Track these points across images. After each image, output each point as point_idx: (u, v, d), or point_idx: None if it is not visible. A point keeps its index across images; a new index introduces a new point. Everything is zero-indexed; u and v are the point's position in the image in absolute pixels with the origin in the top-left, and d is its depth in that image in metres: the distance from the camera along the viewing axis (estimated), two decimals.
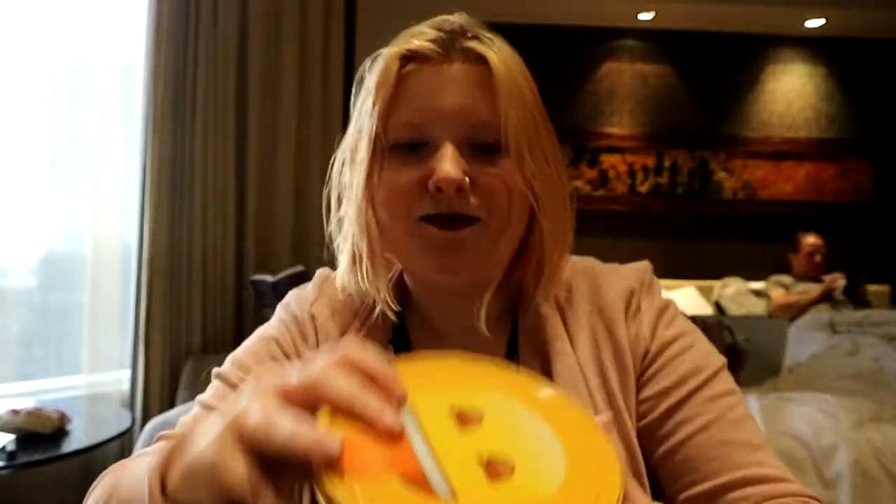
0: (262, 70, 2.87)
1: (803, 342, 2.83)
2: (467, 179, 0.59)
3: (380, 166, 0.63)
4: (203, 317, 2.75)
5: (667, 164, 4.35)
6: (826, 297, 3.51)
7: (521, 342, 0.68)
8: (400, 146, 0.62)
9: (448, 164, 0.59)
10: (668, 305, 0.70)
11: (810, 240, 3.81)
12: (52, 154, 2.65)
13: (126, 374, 2.71)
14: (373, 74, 0.63)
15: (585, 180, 4.31)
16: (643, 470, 0.63)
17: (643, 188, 4.33)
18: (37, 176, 2.62)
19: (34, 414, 1.95)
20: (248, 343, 0.73)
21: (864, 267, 3.84)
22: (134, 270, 2.66)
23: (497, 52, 0.61)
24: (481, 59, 0.60)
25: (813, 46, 4.38)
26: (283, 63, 2.91)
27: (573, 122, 4.33)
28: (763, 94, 4.40)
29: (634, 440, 0.63)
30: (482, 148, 0.61)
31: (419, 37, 0.62)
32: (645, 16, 4.16)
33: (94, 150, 2.73)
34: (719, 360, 0.66)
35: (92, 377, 2.74)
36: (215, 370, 0.71)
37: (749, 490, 0.57)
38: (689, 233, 4.36)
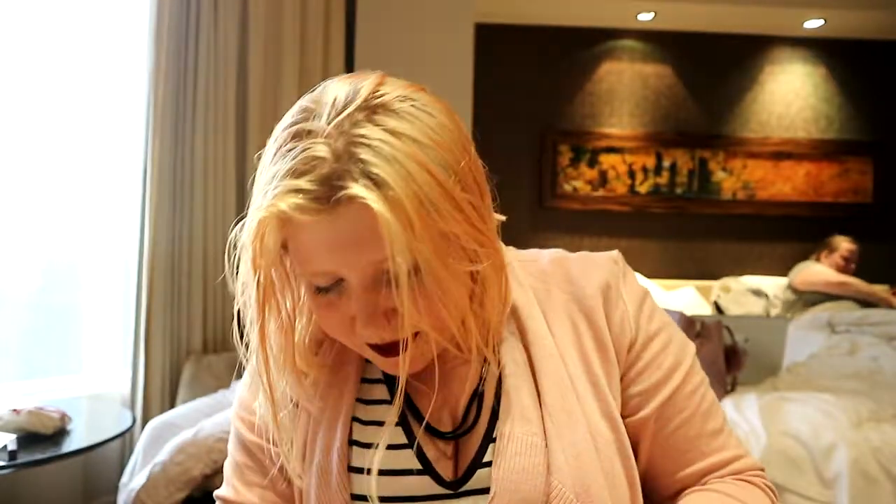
0: (262, 70, 2.87)
1: (802, 342, 2.82)
2: (386, 319, 0.59)
3: (274, 322, 0.64)
4: (203, 317, 2.76)
5: (666, 164, 4.35)
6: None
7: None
8: (317, 287, 0.61)
9: (363, 322, 0.59)
10: (647, 295, 0.72)
11: (849, 245, 3.78)
12: (53, 154, 2.66)
13: (126, 374, 2.71)
14: (250, 239, 0.61)
15: (585, 180, 4.32)
16: (631, 453, 0.66)
17: (643, 188, 4.34)
18: (38, 176, 2.62)
19: (35, 414, 1.95)
20: (241, 392, 0.74)
21: (865, 267, 3.85)
22: (134, 271, 2.66)
23: (382, 167, 0.54)
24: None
25: (812, 47, 4.38)
26: (283, 63, 2.91)
27: (573, 122, 4.34)
28: (762, 94, 4.41)
29: (621, 424, 0.66)
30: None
31: (288, 195, 0.57)
32: (645, 16, 4.17)
33: (95, 150, 2.74)
34: (692, 347, 0.71)
35: (92, 377, 2.75)
36: (232, 421, 0.74)
37: (717, 473, 0.68)
38: (688, 233, 4.36)
